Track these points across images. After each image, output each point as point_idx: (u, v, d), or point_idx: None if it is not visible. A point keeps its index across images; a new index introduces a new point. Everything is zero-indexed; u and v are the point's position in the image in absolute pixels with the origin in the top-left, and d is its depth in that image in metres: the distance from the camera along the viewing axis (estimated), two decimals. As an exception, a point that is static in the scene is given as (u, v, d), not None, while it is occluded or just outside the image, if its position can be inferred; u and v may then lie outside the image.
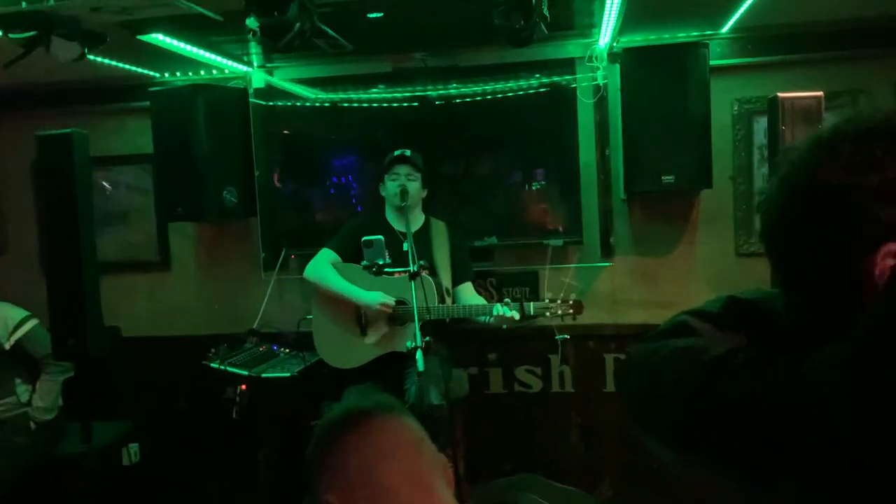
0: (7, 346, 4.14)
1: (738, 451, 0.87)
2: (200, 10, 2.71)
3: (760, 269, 3.90)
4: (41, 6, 2.66)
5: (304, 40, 2.69)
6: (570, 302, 3.79)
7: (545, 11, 2.60)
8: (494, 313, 3.70)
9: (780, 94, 3.29)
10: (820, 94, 3.29)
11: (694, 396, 0.92)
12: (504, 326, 3.83)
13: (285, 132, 4.87)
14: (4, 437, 4.07)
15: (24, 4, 2.69)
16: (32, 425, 4.14)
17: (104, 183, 4.94)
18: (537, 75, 4.44)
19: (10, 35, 2.68)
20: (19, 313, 4.22)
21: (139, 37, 3.32)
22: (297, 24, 2.61)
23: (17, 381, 4.20)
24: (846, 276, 0.89)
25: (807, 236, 0.94)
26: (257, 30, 2.62)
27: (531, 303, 3.79)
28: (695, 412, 0.92)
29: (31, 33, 2.68)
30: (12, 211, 5.04)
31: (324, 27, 2.89)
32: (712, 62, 4.10)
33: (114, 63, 4.13)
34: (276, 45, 2.62)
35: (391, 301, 3.86)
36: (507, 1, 2.46)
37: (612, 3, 3.36)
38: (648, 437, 1.03)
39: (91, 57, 3.65)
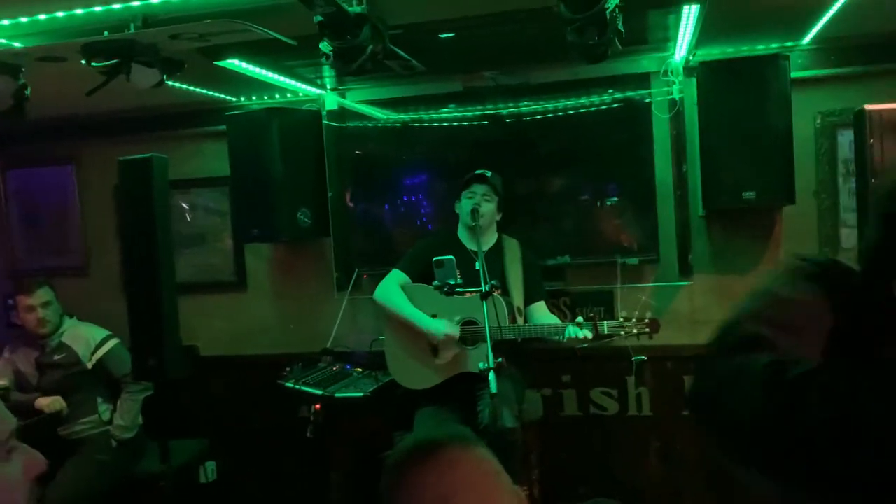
0: (89, 366, 4.27)
1: (832, 477, 0.85)
2: (275, 35, 2.74)
3: (848, 287, 3.76)
4: (122, 35, 2.73)
5: (375, 63, 2.70)
6: (646, 321, 3.68)
7: (620, 27, 2.54)
8: (567, 335, 3.63)
9: (868, 107, 3.15)
10: (911, 104, 3.14)
11: (786, 422, 0.89)
12: (577, 347, 3.75)
13: (357, 153, 4.90)
14: (87, 455, 4.18)
15: (105, 34, 2.78)
16: (114, 443, 4.24)
17: (183, 204, 5.05)
18: (611, 91, 4.37)
19: (93, 63, 2.75)
20: (101, 333, 4.34)
21: (217, 62, 3.39)
22: (370, 47, 2.61)
23: (99, 399, 4.32)
24: None
25: None
26: (330, 53, 2.63)
27: (605, 322, 3.70)
28: (788, 438, 0.88)
29: (113, 61, 2.74)
30: (95, 234, 5.20)
31: (395, 49, 2.89)
32: (793, 74, 3.97)
33: (191, 88, 4.23)
34: (349, 69, 2.63)
35: (456, 332, 3.82)
36: (580, 17, 2.42)
37: (688, 17, 3.28)
38: (742, 468, 0.99)
39: (170, 83, 3.75)
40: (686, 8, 3.14)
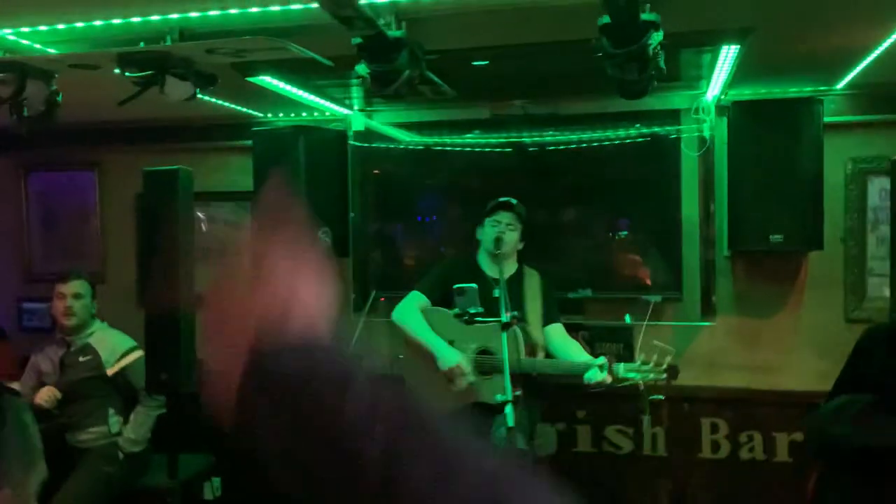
0: (110, 373, 4.21)
1: None
2: (312, 55, 2.72)
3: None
4: (159, 47, 2.72)
5: (411, 87, 2.67)
6: (664, 366, 3.61)
7: (662, 64, 2.51)
8: (585, 380, 3.56)
9: (905, 157, 3.10)
10: (950, 157, 3.08)
11: None
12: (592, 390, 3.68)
13: (381, 174, 4.88)
14: (93, 466, 4.13)
15: (142, 45, 2.76)
16: (121, 455, 4.19)
17: (199, 214, 5.02)
18: (639, 125, 4.34)
19: (127, 74, 2.74)
20: (128, 342, 4.28)
21: (248, 79, 3.37)
22: (407, 72, 2.59)
23: (111, 411, 4.27)
24: None
25: None
26: (367, 76, 2.61)
27: (622, 364, 3.62)
28: None
29: (148, 73, 2.73)
30: (114, 241, 5.19)
31: (430, 75, 2.86)
32: (826, 119, 3.93)
33: (219, 102, 4.21)
34: (385, 92, 2.61)
35: (465, 365, 3.74)
36: (622, 52, 2.38)
37: (725, 57, 3.25)
38: None
39: (199, 96, 3.74)
40: (725, 48, 3.11)
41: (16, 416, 3.65)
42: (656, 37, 2.40)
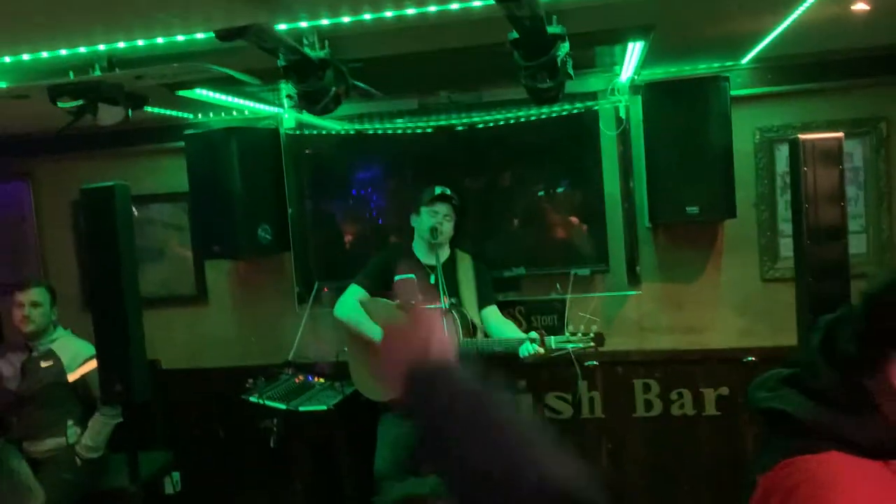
0: (70, 379, 4.30)
1: None
2: (239, 75, 2.83)
3: (785, 293, 4.00)
4: (88, 77, 2.79)
5: (338, 102, 2.80)
6: (592, 335, 3.85)
7: (570, 71, 2.69)
8: (521, 354, 3.79)
9: (801, 136, 3.35)
10: (840, 135, 3.34)
11: None
12: (528, 362, 3.90)
13: (316, 168, 4.96)
14: (53, 474, 4.22)
15: (71, 75, 2.83)
16: (78, 461, 4.28)
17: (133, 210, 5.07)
18: (559, 106, 4.50)
19: (59, 104, 2.81)
20: (90, 349, 4.32)
21: (179, 93, 3.45)
22: (333, 90, 2.71)
23: (70, 422, 4.34)
24: None
25: None
26: (295, 95, 2.73)
27: (552, 337, 3.85)
28: None
29: (79, 102, 2.80)
30: (53, 249, 5.22)
31: (358, 83, 2.99)
32: (733, 92, 4.17)
33: (151, 110, 4.25)
34: (315, 110, 2.73)
35: None
36: (533, 65, 2.55)
37: (633, 50, 3.45)
38: None
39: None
40: (631, 43, 3.30)
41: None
42: (563, 47, 2.58)
